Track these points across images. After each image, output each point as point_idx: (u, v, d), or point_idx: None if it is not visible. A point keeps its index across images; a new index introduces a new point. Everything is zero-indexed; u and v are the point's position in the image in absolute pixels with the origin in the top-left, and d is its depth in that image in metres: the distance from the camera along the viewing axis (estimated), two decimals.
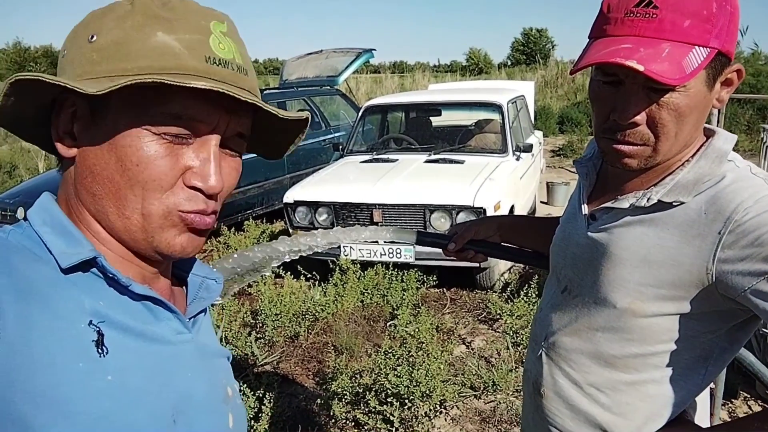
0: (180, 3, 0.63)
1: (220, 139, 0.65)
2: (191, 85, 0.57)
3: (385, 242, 4.38)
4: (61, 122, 0.64)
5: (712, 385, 1.09)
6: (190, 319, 0.73)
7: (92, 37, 0.61)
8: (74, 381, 0.55)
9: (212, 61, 0.62)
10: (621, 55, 0.82)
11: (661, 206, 0.92)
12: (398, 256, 4.42)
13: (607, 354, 1.00)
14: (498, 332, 3.99)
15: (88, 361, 0.57)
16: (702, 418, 1.04)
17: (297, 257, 1.23)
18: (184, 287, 0.79)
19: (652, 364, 0.97)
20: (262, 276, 1.14)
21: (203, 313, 0.77)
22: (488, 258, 1.42)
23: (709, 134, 0.96)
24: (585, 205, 1.06)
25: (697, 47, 0.82)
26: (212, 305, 0.82)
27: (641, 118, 0.87)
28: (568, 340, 1.06)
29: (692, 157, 0.93)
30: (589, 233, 1.02)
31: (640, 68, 0.80)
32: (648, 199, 0.93)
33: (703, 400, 1.04)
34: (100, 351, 0.58)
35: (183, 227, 0.65)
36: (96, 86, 0.56)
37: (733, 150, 0.92)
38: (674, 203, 0.91)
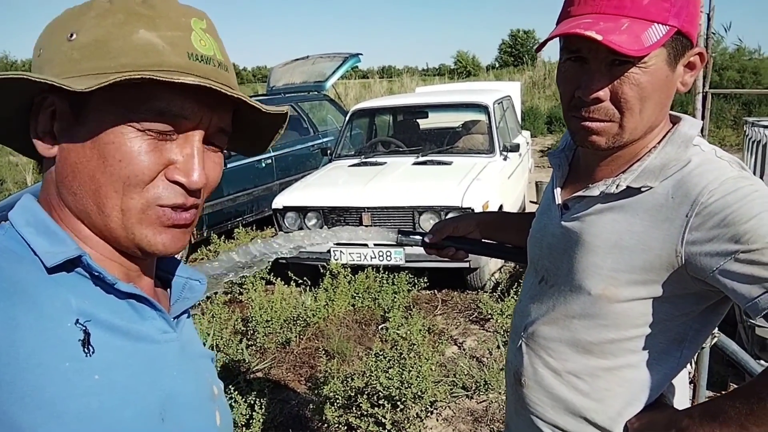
0: (159, 1, 0.63)
1: (203, 135, 0.65)
2: (181, 81, 0.57)
3: (375, 244, 4.39)
4: (40, 122, 0.63)
5: (690, 369, 1.09)
6: (174, 318, 0.73)
7: (71, 35, 0.61)
8: (61, 381, 0.55)
9: (194, 57, 0.62)
10: (582, 27, 0.84)
11: (630, 192, 0.94)
12: (388, 259, 4.42)
13: (584, 341, 1.00)
14: (489, 332, 4.00)
15: (75, 361, 0.56)
16: (680, 402, 1.04)
17: (277, 257, 1.22)
18: (167, 289, 0.78)
19: (628, 348, 0.97)
20: (243, 278, 1.14)
21: (185, 315, 0.77)
22: (469, 255, 1.43)
23: (675, 121, 0.97)
24: (558, 195, 1.07)
25: (656, 24, 0.85)
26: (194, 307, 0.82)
27: (604, 93, 0.89)
28: (546, 329, 1.06)
29: (659, 143, 0.95)
30: (562, 222, 1.03)
31: (599, 38, 0.82)
32: (617, 185, 0.94)
33: (681, 384, 1.05)
34: (86, 350, 0.57)
35: (163, 225, 0.64)
36: (83, 83, 0.56)
37: (720, 145, 0.95)
38: (642, 189, 0.92)
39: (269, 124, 0.74)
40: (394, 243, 1.36)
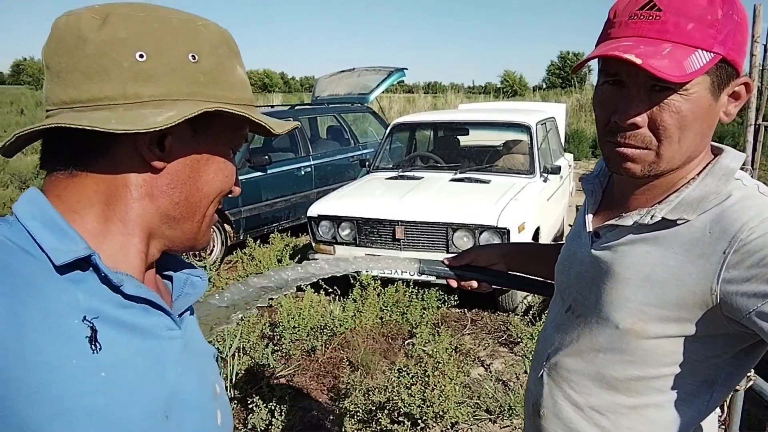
0: (230, 36, 0.71)
1: None
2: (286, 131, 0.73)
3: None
4: (149, 137, 0.63)
5: (720, 413, 1.04)
6: (179, 315, 0.73)
7: (194, 56, 0.64)
8: (68, 378, 0.55)
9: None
10: (621, 50, 0.81)
11: (666, 224, 0.90)
12: (419, 273, 4.37)
13: (609, 376, 0.96)
14: (518, 355, 3.92)
15: (82, 358, 0.57)
16: None
17: (296, 286, 1.19)
18: (168, 283, 0.79)
19: (655, 387, 0.93)
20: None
21: (189, 312, 0.77)
22: (492, 286, 1.39)
23: (717, 153, 0.93)
24: (590, 222, 1.04)
25: (699, 50, 0.81)
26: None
27: (642, 119, 0.85)
28: (570, 361, 1.03)
29: (698, 174, 0.91)
30: (592, 251, 1.00)
31: (638, 61, 0.78)
32: (652, 216, 0.90)
33: (709, 427, 1.00)
34: (93, 347, 0.58)
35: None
36: (233, 108, 0.66)
37: (765, 182, 0.89)
38: (679, 221, 0.88)
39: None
40: (417, 273, 1.33)
